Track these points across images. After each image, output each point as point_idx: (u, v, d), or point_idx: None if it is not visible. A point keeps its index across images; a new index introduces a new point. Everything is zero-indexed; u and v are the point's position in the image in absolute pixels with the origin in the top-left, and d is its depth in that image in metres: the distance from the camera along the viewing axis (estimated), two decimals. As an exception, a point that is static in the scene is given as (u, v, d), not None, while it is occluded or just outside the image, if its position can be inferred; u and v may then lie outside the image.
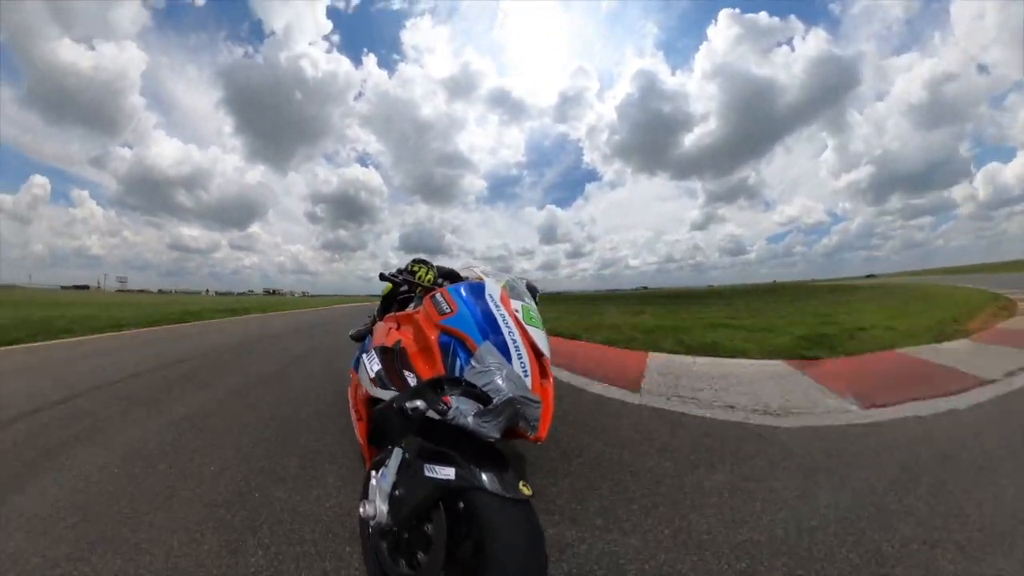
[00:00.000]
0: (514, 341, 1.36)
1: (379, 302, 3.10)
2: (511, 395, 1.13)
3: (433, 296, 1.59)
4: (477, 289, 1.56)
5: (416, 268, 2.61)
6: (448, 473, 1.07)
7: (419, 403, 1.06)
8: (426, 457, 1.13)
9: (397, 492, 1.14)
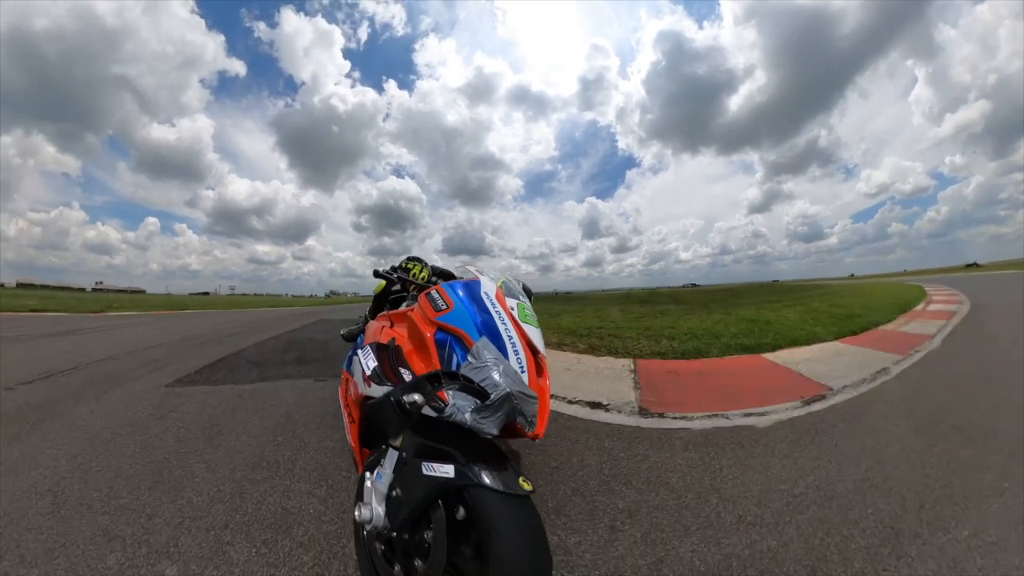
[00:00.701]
0: (510, 338, 1.35)
1: (371, 301, 3.07)
2: (509, 390, 1.12)
3: (429, 293, 1.58)
4: (473, 287, 1.56)
5: (411, 265, 2.59)
6: (447, 471, 1.04)
7: (417, 397, 1.04)
8: (423, 455, 1.10)
9: (394, 493, 1.10)
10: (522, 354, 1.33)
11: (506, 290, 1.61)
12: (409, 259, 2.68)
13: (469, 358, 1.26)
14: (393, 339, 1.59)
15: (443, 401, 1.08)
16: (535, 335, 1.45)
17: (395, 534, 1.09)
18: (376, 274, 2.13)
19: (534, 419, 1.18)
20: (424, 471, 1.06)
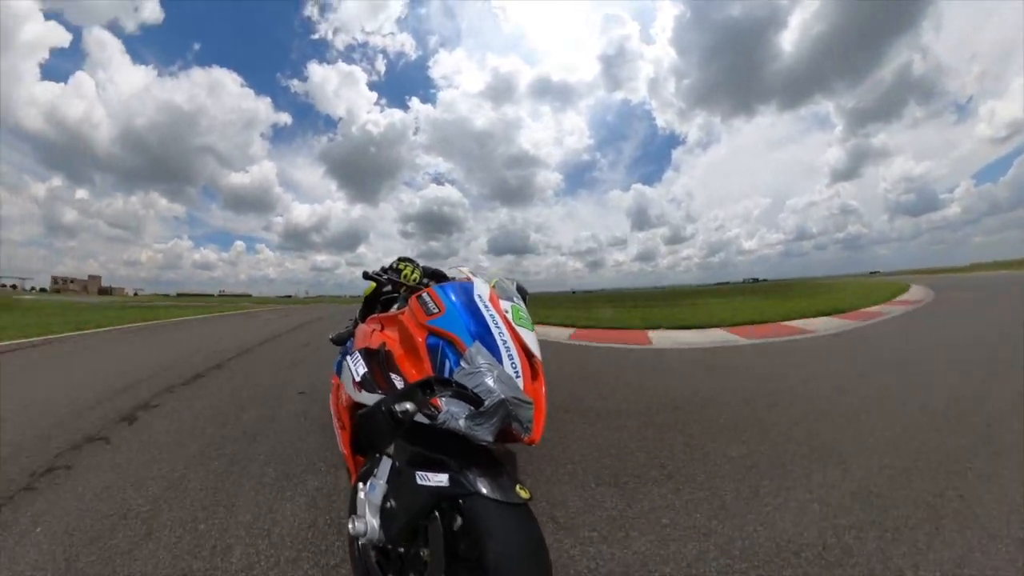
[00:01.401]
0: (504, 342, 1.32)
1: (360, 303, 3.00)
2: (503, 396, 1.09)
3: (420, 296, 1.53)
4: (465, 289, 1.52)
5: (402, 266, 2.53)
6: (441, 479, 1.01)
7: (408, 405, 1.00)
8: (417, 464, 1.07)
9: (389, 504, 1.07)
10: (517, 358, 1.30)
11: (500, 291, 1.58)
12: (400, 259, 2.62)
13: (462, 363, 1.23)
14: (383, 344, 1.55)
15: (436, 408, 1.05)
16: (530, 338, 1.42)
17: (391, 546, 1.05)
18: (366, 276, 2.07)
19: (530, 424, 1.15)
20: (418, 481, 1.03)
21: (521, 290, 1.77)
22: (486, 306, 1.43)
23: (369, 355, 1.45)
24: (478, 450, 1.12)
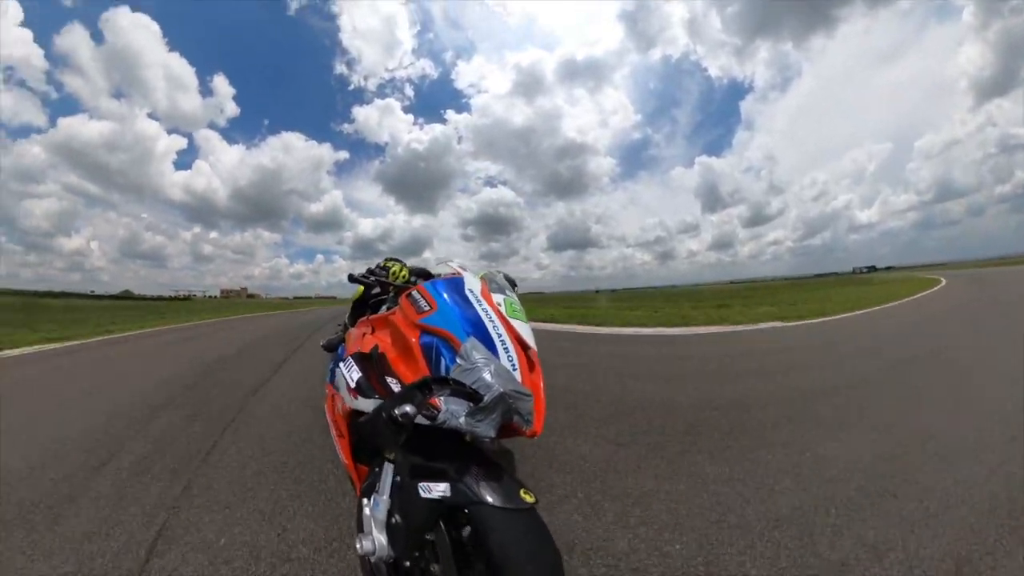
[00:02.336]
0: (499, 335, 1.30)
1: (349, 307, 2.94)
2: (502, 390, 1.08)
3: (410, 294, 1.50)
4: (456, 284, 1.49)
5: (389, 265, 2.47)
6: (443, 489, 0.99)
7: (408, 408, 0.98)
8: (418, 475, 1.05)
9: (394, 520, 1.05)
10: (512, 351, 1.28)
11: (491, 285, 1.55)
12: (388, 259, 2.58)
13: (458, 360, 1.21)
14: (376, 347, 1.52)
15: (435, 408, 1.02)
16: (524, 330, 1.40)
17: (402, 561, 1.04)
18: (351, 279, 2.01)
19: (530, 416, 1.14)
20: (421, 493, 1.01)
21: (510, 281, 1.75)
22: (478, 300, 1.41)
23: (362, 360, 1.41)
24: (479, 455, 1.11)
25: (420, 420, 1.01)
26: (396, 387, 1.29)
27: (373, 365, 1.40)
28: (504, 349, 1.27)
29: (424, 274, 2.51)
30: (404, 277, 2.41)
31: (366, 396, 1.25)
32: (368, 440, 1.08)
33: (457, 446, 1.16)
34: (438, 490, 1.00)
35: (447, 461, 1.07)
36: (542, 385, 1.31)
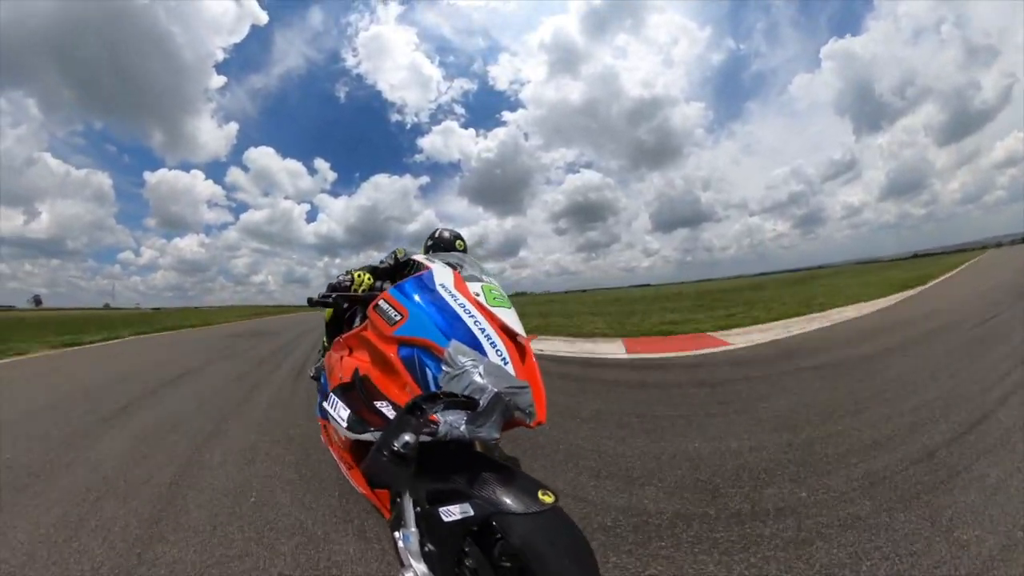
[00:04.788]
0: (482, 330, 1.21)
1: (324, 330, 2.73)
2: (496, 390, 1.04)
3: (376, 306, 1.38)
4: (424, 283, 1.37)
5: (355, 274, 2.25)
6: (465, 510, 0.99)
7: (408, 437, 0.95)
8: (436, 500, 1.05)
9: (427, 549, 1.07)
10: (500, 344, 1.20)
11: (465, 273, 1.44)
12: (348, 272, 2.39)
13: (443, 368, 1.13)
14: (356, 371, 1.42)
15: (434, 423, 0.98)
16: (509, 317, 1.31)
17: None
18: (311, 303, 1.84)
19: (531, 408, 1.10)
20: (444, 518, 1.01)
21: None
22: (452, 296, 1.30)
23: (346, 392, 1.33)
24: (489, 462, 1.11)
25: (423, 438, 0.97)
26: (388, 410, 1.23)
27: (358, 393, 1.32)
28: (491, 344, 1.19)
29: (392, 272, 2.33)
30: (368, 285, 2.22)
31: (361, 432, 1.20)
32: (381, 482, 1.08)
33: (465, 457, 1.13)
34: (459, 511, 1.00)
35: (460, 476, 1.05)
36: (538, 372, 1.25)
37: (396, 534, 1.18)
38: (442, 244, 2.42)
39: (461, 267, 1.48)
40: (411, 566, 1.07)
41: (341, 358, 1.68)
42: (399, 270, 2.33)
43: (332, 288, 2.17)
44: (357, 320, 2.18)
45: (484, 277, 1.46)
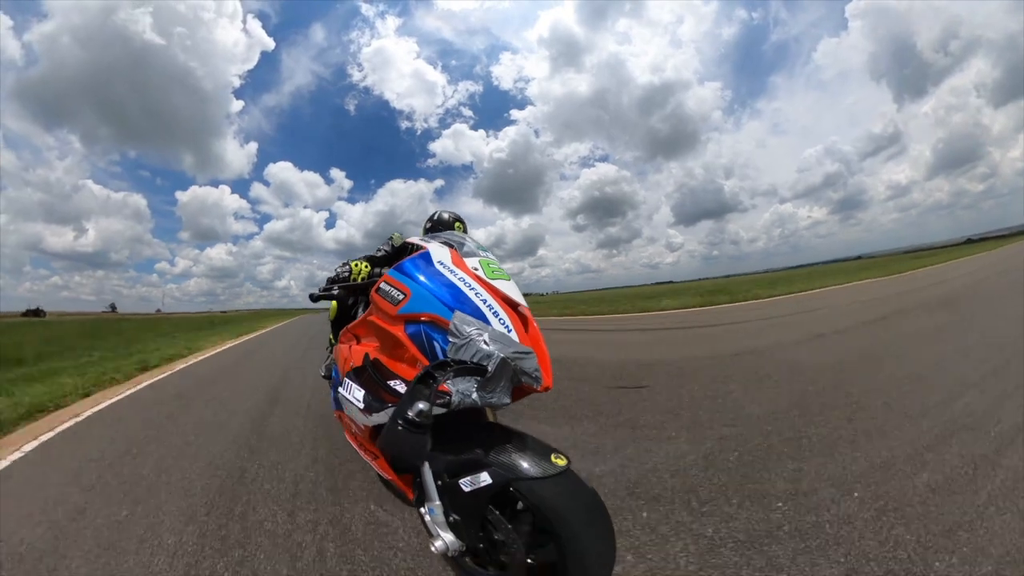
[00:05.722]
0: (484, 301, 1.24)
1: (330, 327, 2.72)
2: (503, 355, 1.07)
3: (378, 289, 1.40)
4: (423, 261, 1.38)
5: (352, 265, 2.25)
6: (484, 479, 1.05)
7: (421, 405, 0.99)
8: (455, 472, 1.11)
9: (452, 519, 1.13)
10: (502, 313, 1.23)
11: (462, 250, 1.45)
12: (346, 263, 2.36)
13: (450, 339, 1.16)
14: (366, 355, 1.45)
15: (446, 394, 1.03)
16: (509, 288, 1.33)
17: (473, 546, 1.13)
18: (314, 299, 1.84)
19: (537, 373, 1.14)
20: (464, 488, 1.07)
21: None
22: (452, 271, 1.33)
23: (359, 375, 1.38)
24: (502, 430, 1.17)
25: (436, 410, 1.01)
26: (401, 387, 1.28)
27: (371, 376, 1.37)
28: (493, 314, 1.21)
29: (389, 259, 2.30)
30: (367, 272, 2.21)
31: (380, 410, 1.25)
32: (400, 454, 1.10)
33: (478, 427, 1.19)
34: (478, 480, 1.05)
35: (476, 447, 1.10)
36: (542, 338, 1.28)
37: (422, 509, 1.23)
38: (441, 225, 2.45)
39: (458, 245, 1.49)
40: (439, 536, 1.12)
41: (350, 347, 1.71)
42: (397, 256, 2.30)
43: (332, 281, 2.17)
44: (361, 310, 2.18)
45: (481, 252, 1.47)
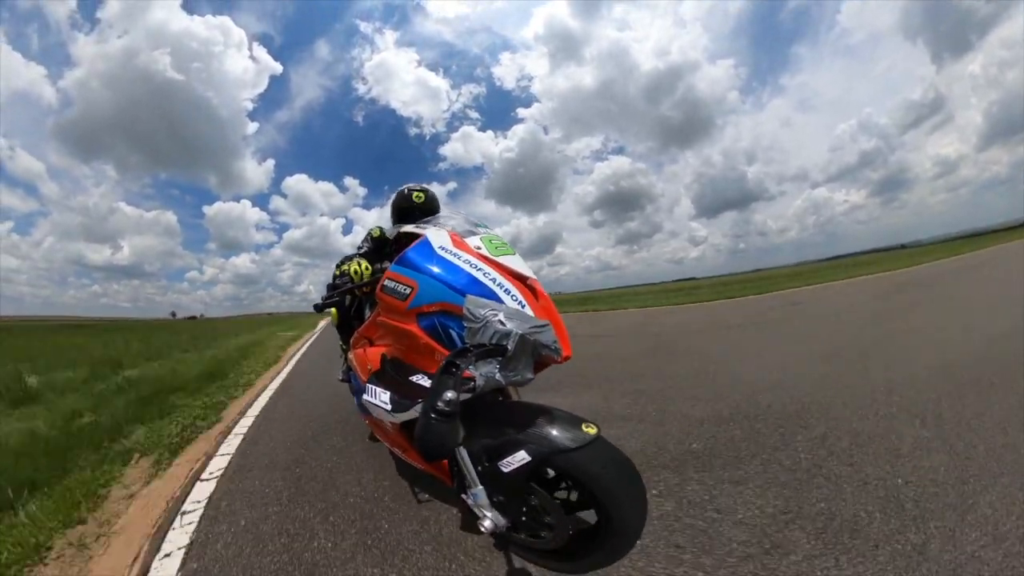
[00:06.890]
0: (492, 279, 1.22)
1: (338, 334, 2.66)
2: (520, 332, 1.08)
3: (383, 287, 1.37)
4: (423, 250, 1.34)
5: (347, 267, 2.11)
6: (522, 457, 1.08)
7: (449, 395, 1.00)
8: (492, 455, 1.13)
9: (496, 500, 1.16)
10: (513, 289, 1.21)
11: (461, 231, 1.42)
12: (342, 262, 2.30)
13: (466, 324, 1.16)
14: (383, 356, 1.45)
15: (471, 380, 1.06)
16: (516, 262, 1.32)
17: (519, 520, 1.18)
18: (319, 309, 1.82)
19: (556, 344, 1.14)
20: (504, 470, 1.10)
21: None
22: (455, 254, 1.30)
23: (380, 377, 1.40)
24: (529, 408, 1.19)
25: (464, 396, 1.03)
26: (425, 381, 1.28)
27: (393, 375, 1.37)
28: (504, 291, 1.20)
29: (390, 252, 2.18)
30: (368, 272, 2.10)
31: (409, 407, 1.26)
32: (434, 447, 1.07)
33: (506, 407, 1.23)
34: (516, 460, 1.08)
35: (508, 427, 1.13)
36: (555, 309, 1.27)
37: (463, 495, 1.25)
38: (409, 209, 2.14)
39: (455, 225, 1.46)
40: (487, 516, 1.16)
41: (364, 350, 1.69)
42: (383, 247, 2.22)
43: (332, 288, 2.13)
44: (367, 311, 2.14)
45: (480, 229, 1.44)
